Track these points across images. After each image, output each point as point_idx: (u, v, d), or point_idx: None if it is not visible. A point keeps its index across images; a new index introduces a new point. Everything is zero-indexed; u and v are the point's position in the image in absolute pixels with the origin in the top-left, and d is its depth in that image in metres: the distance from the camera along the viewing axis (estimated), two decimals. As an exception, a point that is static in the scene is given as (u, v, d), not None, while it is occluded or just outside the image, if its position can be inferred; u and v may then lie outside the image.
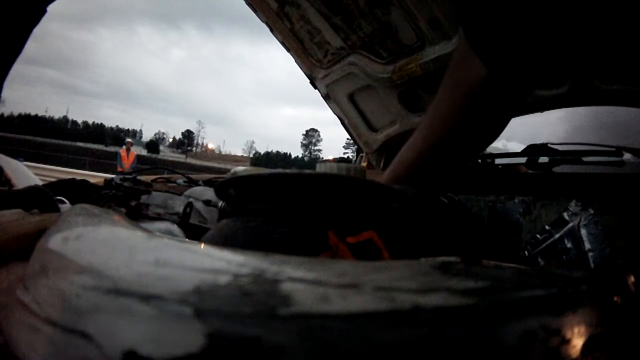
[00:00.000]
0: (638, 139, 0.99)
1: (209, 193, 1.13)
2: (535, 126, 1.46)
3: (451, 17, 1.24)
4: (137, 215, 1.04)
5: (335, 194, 0.56)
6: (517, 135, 1.45)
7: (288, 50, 1.83)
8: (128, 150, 10.11)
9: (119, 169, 9.38)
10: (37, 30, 1.33)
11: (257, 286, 0.25)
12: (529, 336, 0.23)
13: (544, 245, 0.94)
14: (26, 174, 1.46)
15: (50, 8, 1.27)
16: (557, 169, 1.02)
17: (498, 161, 1.24)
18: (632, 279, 0.35)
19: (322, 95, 1.92)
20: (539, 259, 0.94)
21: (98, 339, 0.24)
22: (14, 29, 1.21)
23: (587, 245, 0.86)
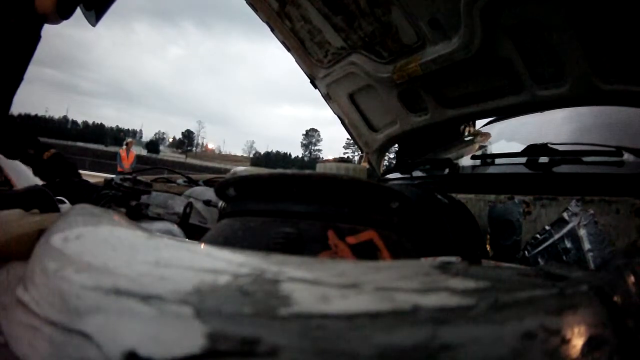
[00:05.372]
0: (638, 139, 0.99)
1: (209, 193, 1.13)
2: (537, 126, 1.45)
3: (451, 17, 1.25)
4: (137, 215, 1.04)
5: (335, 194, 0.56)
6: (518, 136, 1.44)
7: (289, 50, 1.83)
8: (128, 150, 10.10)
9: (119, 169, 9.37)
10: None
11: (257, 286, 0.25)
12: (529, 336, 0.23)
13: (544, 245, 0.94)
14: (26, 174, 1.46)
15: None
16: (557, 169, 1.02)
17: (498, 161, 1.24)
18: (632, 279, 0.35)
19: (322, 95, 1.92)
20: (539, 259, 0.94)
21: (98, 339, 0.24)
22: (14, 57, 1.25)
23: (587, 245, 0.86)
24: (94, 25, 1.42)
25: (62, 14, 1.30)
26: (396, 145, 2.02)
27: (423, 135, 1.77)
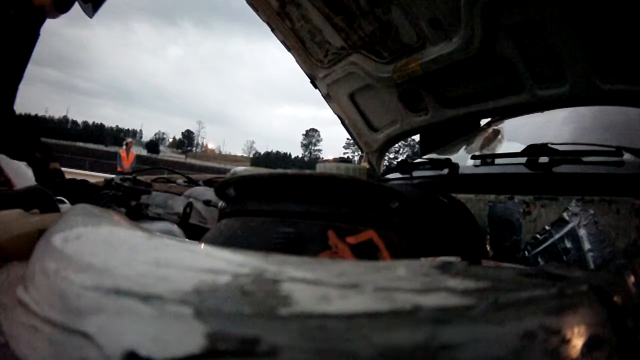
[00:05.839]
0: (638, 139, 0.99)
1: (209, 193, 1.13)
2: (537, 126, 1.45)
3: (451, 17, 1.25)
4: (137, 215, 1.04)
5: (335, 194, 0.56)
6: (518, 136, 1.44)
7: (289, 49, 1.83)
8: (128, 150, 10.10)
9: (119, 169, 9.36)
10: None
11: (257, 286, 0.25)
12: (529, 336, 0.23)
13: (544, 245, 0.93)
14: (26, 174, 1.46)
15: None
16: (557, 169, 1.02)
17: (498, 161, 1.24)
18: (632, 279, 0.35)
19: (322, 95, 1.92)
20: (539, 259, 0.94)
21: (98, 339, 0.24)
22: (14, 52, 1.25)
23: (587, 245, 0.86)
24: (90, 17, 1.42)
25: (59, 7, 1.30)
26: (400, 143, 1.99)
27: (447, 129, 1.74)
